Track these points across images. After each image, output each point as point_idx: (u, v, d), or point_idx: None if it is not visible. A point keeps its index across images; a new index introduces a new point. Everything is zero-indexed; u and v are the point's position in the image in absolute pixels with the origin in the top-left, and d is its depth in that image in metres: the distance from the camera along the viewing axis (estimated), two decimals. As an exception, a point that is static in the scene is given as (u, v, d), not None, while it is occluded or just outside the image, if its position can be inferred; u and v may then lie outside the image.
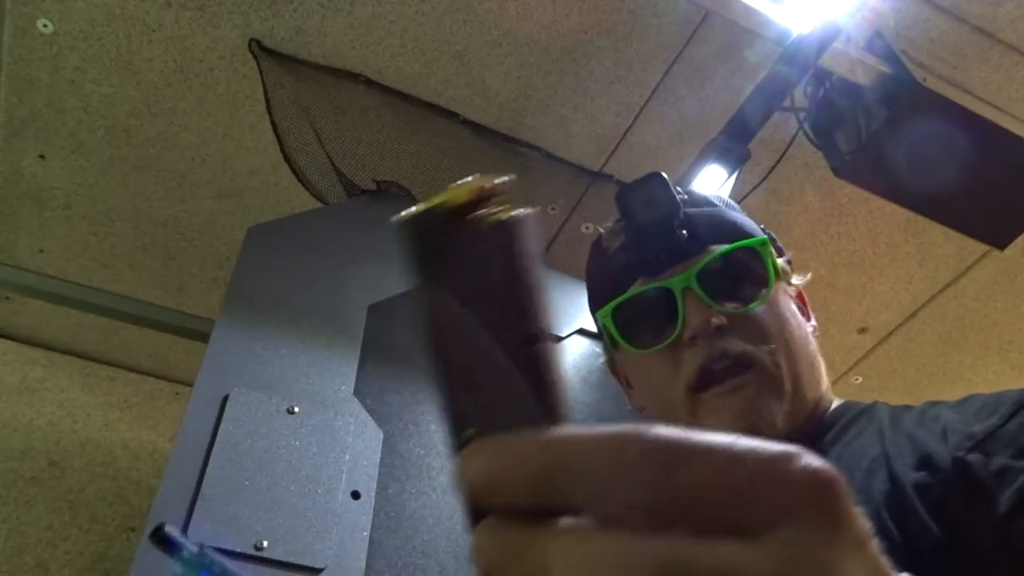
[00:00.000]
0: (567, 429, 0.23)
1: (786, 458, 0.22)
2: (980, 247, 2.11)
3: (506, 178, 0.24)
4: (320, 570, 1.11)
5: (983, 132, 1.68)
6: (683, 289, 0.67)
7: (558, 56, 1.82)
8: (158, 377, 2.54)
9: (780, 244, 0.76)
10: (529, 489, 0.22)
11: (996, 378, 2.58)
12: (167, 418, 2.46)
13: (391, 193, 1.86)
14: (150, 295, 2.30)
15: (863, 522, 0.23)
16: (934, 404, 0.61)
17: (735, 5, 1.63)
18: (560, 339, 1.69)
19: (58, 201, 2.08)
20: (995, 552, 0.49)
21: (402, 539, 1.23)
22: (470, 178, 0.24)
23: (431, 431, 1.40)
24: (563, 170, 2.03)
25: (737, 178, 1.83)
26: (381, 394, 1.38)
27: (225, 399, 1.21)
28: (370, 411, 1.32)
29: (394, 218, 0.24)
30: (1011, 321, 2.39)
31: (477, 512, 0.23)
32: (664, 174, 0.70)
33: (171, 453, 1.13)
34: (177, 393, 2.52)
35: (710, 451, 0.21)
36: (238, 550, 1.07)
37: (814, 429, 0.67)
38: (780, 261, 0.73)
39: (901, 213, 2.01)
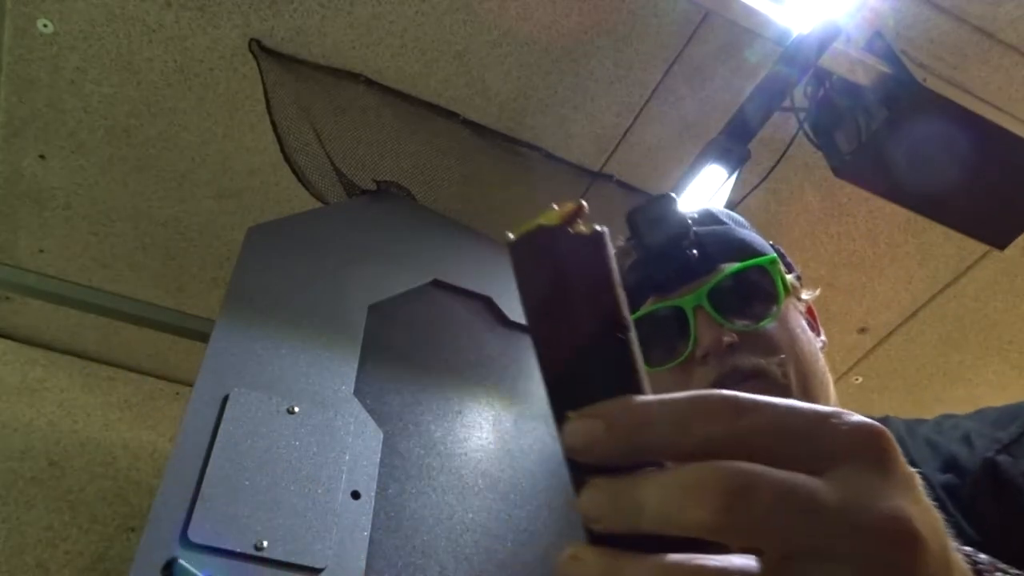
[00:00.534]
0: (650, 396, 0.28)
1: (839, 413, 0.26)
2: (980, 247, 2.12)
3: (584, 202, 0.29)
4: (320, 570, 1.11)
5: (983, 132, 1.68)
6: (694, 307, 0.68)
7: (558, 56, 1.82)
8: (158, 377, 2.54)
9: (789, 260, 0.78)
10: (623, 444, 0.26)
11: (996, 378, 2.57)
12: (167, 418, 2.46)
13: (391, 193, 1.86)
14: (150, 295, 2.30)
15: (910, 468, 0.26)
16: (948, 416, 0.64)
17: (735, 5, 1.63)
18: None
19: (58, 201, 2.08)
20: None
21: (402, 539, 1.23)
22: (555, 205, 0.29)
23: (431, 431, 1.39)
24: (563, 170, 2.03)
25: (737, 178, 1.83)
26: (381, 394, 1.38)
27: (225, 399, 1.20)
28: (370, 411, 1.32)
29: (509, 239, 0.28)
30: (1011, 321, 2.39)
31: (580, 475, 0.27)
32: (673, 195, 0.72)
33: (171, 453, 1.13)
34: (177, 393, 2.52)
35: (772, 403, 0.26)
36: (238, 550, 1.07)
37: None
38: (790, 277, 0.74)
39: (901, 213, 2.01)
